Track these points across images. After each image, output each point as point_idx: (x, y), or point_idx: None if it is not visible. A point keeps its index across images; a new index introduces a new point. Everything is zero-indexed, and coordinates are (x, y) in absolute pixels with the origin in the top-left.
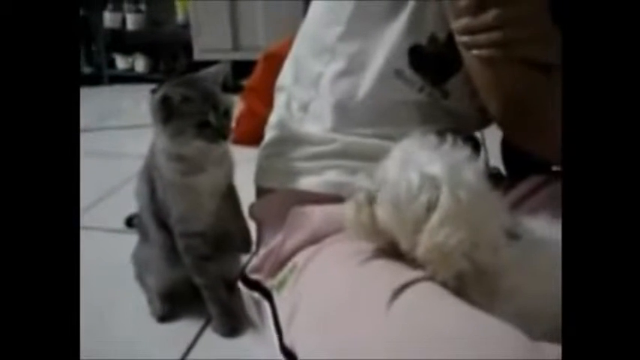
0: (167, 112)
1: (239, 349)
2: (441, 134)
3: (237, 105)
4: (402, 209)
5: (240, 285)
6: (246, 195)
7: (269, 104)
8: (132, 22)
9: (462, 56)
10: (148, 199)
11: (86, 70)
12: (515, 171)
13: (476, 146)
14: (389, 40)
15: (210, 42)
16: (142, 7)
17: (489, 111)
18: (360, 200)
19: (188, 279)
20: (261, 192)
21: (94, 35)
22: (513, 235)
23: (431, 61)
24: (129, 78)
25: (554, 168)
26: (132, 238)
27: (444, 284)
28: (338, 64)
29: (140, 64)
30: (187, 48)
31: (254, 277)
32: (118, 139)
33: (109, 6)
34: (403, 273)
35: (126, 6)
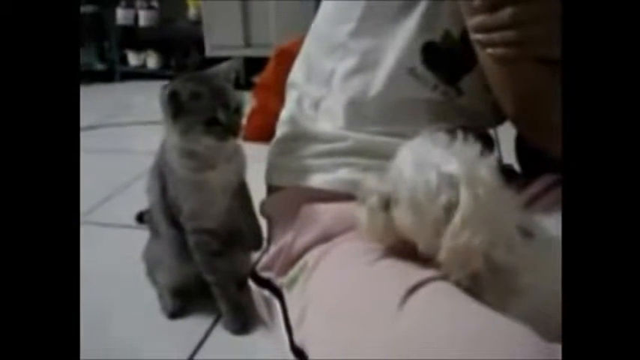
0: (176, 108)
1: (249, 347)
2: (451, 131)
3: (249, 102)
4: (421, 211)
5: (251, 282)
6: (258, 192)
7: (281, 101)
8: (144, 18)
9: (477, 54)
10: (159, 195)
11: (98, 66)
12: (530, 169)
13: (489, 143)
14: (402, 37)
15: (222, 38)
16: (155, 3)
17: (503, 109)
18: (373, 205)
19: (199, 276)
20: (272, 189)
21: (107, 32)
22: (527, 234)
23: (445, 58)
24: (141, 74)
25: None
26: (143, 234)
27: (458, 283)
28: (350, 61)
29: (152, 61)
30: (199, 44)
31: (264, 274)
32: (129, 135)
33: (122, 3)
34: (416, 272)
35: (138, 3)
